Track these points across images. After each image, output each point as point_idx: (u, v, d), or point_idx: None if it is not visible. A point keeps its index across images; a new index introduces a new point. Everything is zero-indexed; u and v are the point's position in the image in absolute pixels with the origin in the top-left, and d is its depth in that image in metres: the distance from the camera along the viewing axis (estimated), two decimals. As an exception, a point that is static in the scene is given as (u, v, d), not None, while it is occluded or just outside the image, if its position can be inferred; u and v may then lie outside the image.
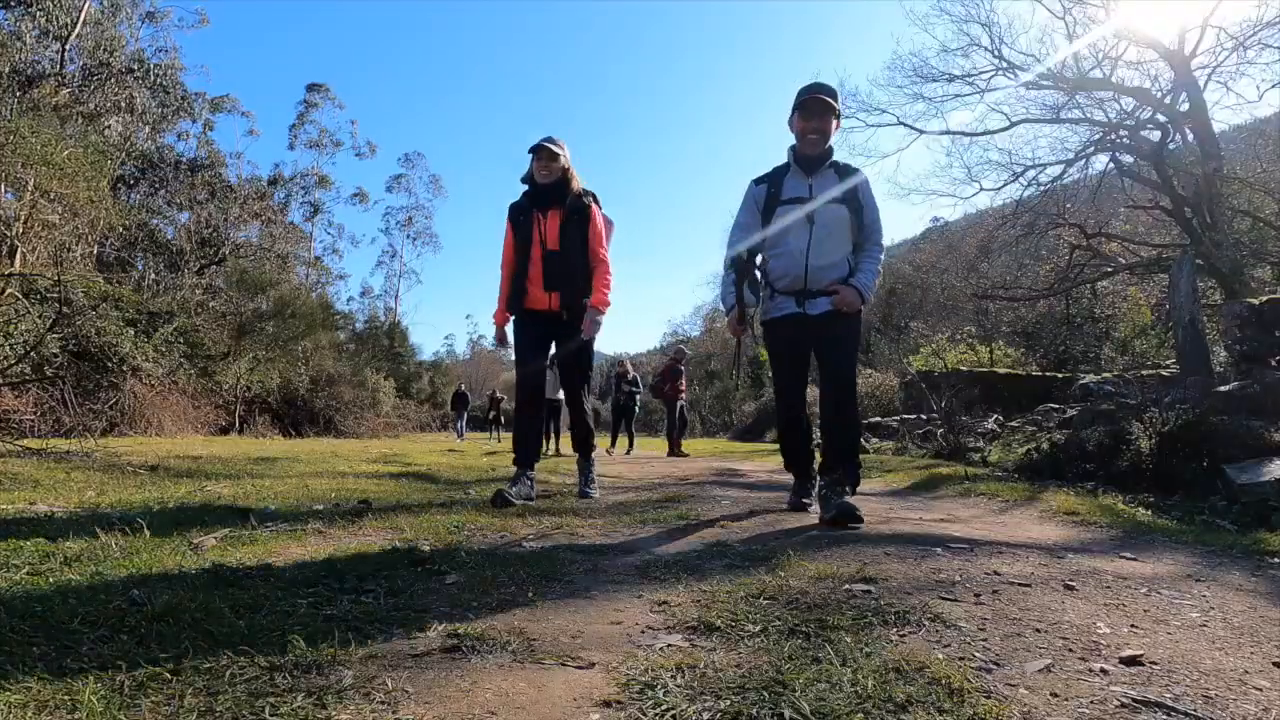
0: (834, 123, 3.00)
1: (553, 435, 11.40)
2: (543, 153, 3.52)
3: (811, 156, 2.99)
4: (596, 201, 3.68)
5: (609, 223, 3.78)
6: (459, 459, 7.46)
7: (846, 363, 2.99)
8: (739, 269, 3.09)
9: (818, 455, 3.09)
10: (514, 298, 3.58)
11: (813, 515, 2.80)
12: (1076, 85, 12.09)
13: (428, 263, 49.69)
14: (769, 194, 3.05)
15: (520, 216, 3.60)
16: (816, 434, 3.32)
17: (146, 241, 16.97)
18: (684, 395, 11.59)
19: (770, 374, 3.27)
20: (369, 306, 38.02)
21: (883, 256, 3.07)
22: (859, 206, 2.97)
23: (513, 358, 3.85)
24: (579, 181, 3.65)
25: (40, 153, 8.74)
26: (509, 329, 3.71)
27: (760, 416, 19.85)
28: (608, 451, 10.19)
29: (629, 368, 11.53)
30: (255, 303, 16.38)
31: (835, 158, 3.05)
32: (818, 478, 2.96)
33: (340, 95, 35.35)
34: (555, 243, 3.51)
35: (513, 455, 3.53)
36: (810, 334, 2.98)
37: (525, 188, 3.65)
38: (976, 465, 5.43)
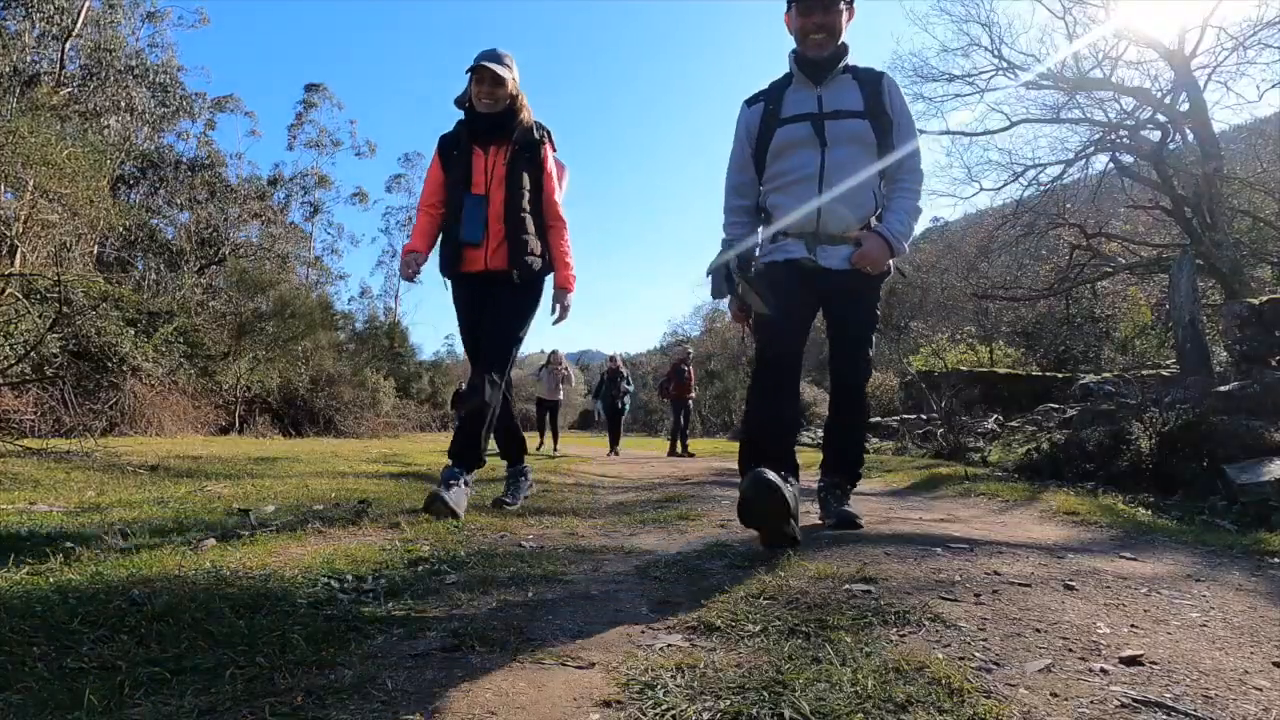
0: (844, 15, 2.29)
1: (550, 434, 11.35)
2: (484, 75, 2.75)
3: (818, 60, 2.26)
4: (550, 140, 2.98)
5: (561, 168, 3.06)
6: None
7: (861, 346, 2.38)
8: (734, 253, 2.37)
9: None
10: (447, 259, 2.90)
11: (811, 520, 2.64)
12: (1076, 85, 12.10)
13: (428, 262, 49.49)
14: (766, 113, 2.34)
15: (454, 151, 2.87)
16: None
17: (147, 241, 16.97)
18: (691, 396, 11.53)
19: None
20: (369, 306, 37.94)
21: (922, 190, 2.33)
22: (888, 122, 2.24)
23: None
24: (530, 112, 2.92)
25: (40, 152, 8.73)
26: (441, 282, 3.03)
27: (760, 416, 19.77)
28: (608, 454, 10.16)
29: (621, 364, 11.41)
30: (255, 303, 16.37)
31: (851, 59, 2.32)
32: (820, 477, 2.55)
33: (339, 95, 35.41)
34: (487, 185, 2.80)
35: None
36: (818, 292, 2.32)
37: (461, 115, 2.93)
38: (976, 465, 5.43)
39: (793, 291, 2.30)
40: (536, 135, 2.91)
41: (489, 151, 2.84)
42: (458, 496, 2.67)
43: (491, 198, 2.82)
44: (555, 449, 10.68)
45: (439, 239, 2.96)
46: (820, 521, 2.54)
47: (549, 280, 3.04)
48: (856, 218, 2.27)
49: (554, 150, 3.02)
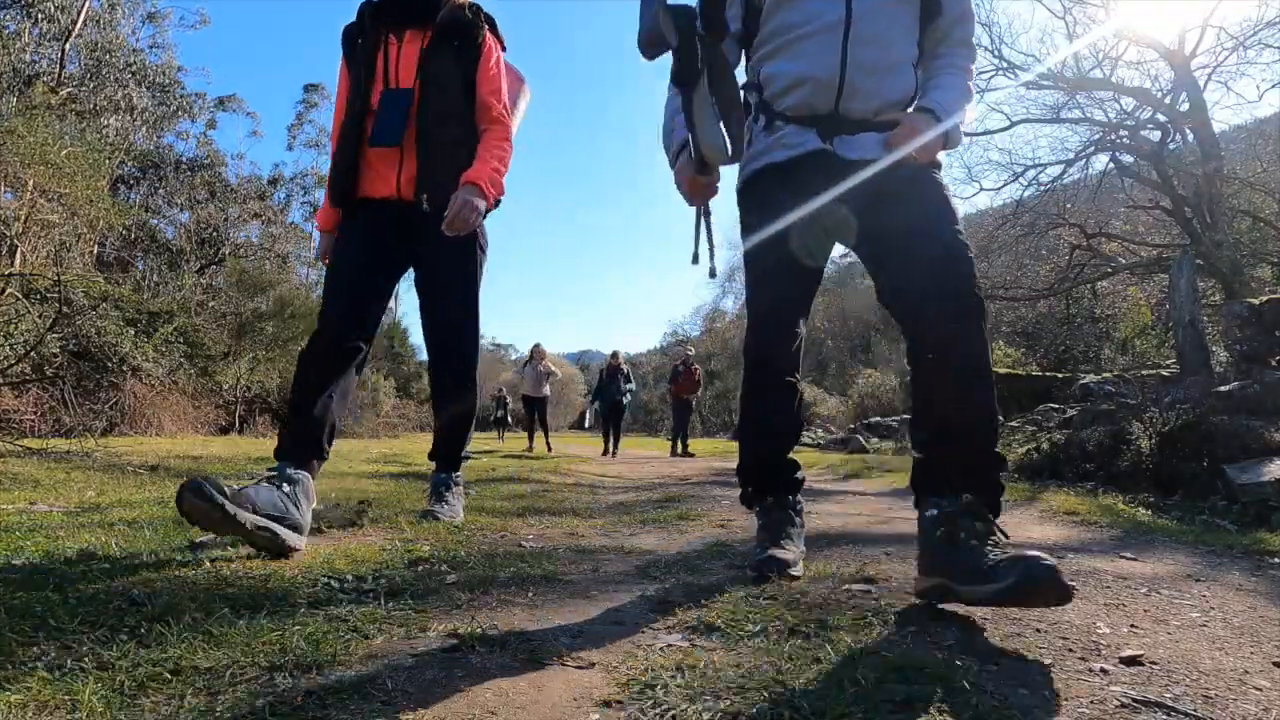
0: None
1: (539, 434, 11.26)
2: None
3: None
4: (495, 32, 2.29)
5: (517, 79, 2.45)
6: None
7: (954, 256, 1.45)
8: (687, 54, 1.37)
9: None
10: (343, 174, 2.11)
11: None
12: (1076, 85, 12.10)
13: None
14: None
15: (359, 40, 2.17)
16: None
17: (147, 241, 16.99)
18: (690, 396, 11.47)
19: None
20: (368, 306, 37.85)
21: (974, 67, 1.69)
22: None
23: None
24: None
25: (39, 152, 8.73)
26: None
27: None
28: (603, 454, 10.10)
29: (621, 362, 11.23)
30: (255, 303, 16.37)
31: None
32: (927, 502, 1.43)
33: (339, 95, 35.28)
34: (411, 79, 2.10)
35: (277, 438, 1.98)
36: (843, 201, 1.56)
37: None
38: (976, 465, 5.41)
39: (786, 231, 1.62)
40: (470, 15, 2.21)
41: (404, 38, 2.13)
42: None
43: (402, 91, 2.10)
44: (549, 449, 10.57)
45: (332, 161, 2.19)
46: (988, 592, 1.27)
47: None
48: (892, 92, 1.59)
49: (501, 45, 2.32)
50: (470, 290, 2.32)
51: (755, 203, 1.72)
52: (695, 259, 1.67)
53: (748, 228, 1.75)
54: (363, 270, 2.10)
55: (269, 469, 1.83)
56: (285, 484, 1.77)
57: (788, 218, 1.62)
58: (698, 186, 1.62)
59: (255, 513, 1.64)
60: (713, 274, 1.69)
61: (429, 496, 2.51)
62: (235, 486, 1.64)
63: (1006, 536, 1.36)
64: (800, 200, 1.59)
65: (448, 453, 2.49)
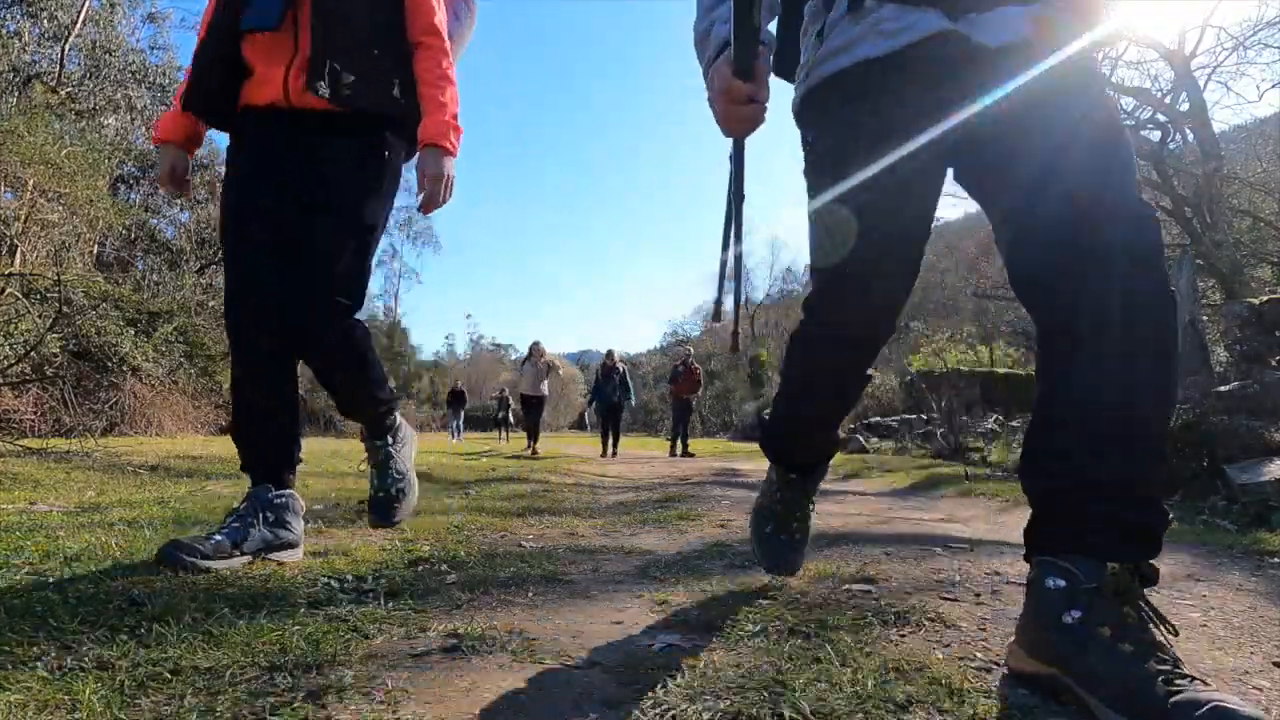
0: None
1: (531, 432, 11.20)
2: None
3: None
4: None
5: None
6: (459, 459, 7.46)
7: (1123, 197, 0.95)
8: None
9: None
10: (208, 84, 1.67)
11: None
12: (1076, 85, 12.10)
13: (427, 263, 49.30)
14: None
15: None
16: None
17: (147, 241, 16.99)
18: (691, 396, 11.45)
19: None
20: (369, 306, 38.01)
21: None
22: None
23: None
24: None
25: (39, 152, 8.74)
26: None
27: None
28: (601, 455, 10.05)
29: (618, 361, 11.12)
30: (255, 302, 16.34)
31: None
32: (1048, 563, 0.97)
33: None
34: None
35: (240, 457, 1.79)
36: (975, 111, 1.02)
37: None
38: (976, 465, 5.44)
39: (909, 115, 1.05)
40: None
41: None
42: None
43: None
44: (535, 452, 10.41)
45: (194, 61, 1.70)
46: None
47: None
48: None
49: None
50: (368, 210, 1.72)
51: (833, 119, 1.14)
52: (717, 315, 1.37)
53: (818, 158, 1.18)
54: (252, 179, 1.68)
55: (246, 497, 1.74)
56: (269, 513, 1.69)
57: (884, 140, 1.05)
58: (738, 96, 1.11)
59: (244, 554, 1.63)
60: (735, 349, 1.45)
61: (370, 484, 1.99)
62: (218, 537, 1.60)
63: (1172, 630, 0.93)
64: (912, 111, 1.04)
65: (359, 415, 1.95)
